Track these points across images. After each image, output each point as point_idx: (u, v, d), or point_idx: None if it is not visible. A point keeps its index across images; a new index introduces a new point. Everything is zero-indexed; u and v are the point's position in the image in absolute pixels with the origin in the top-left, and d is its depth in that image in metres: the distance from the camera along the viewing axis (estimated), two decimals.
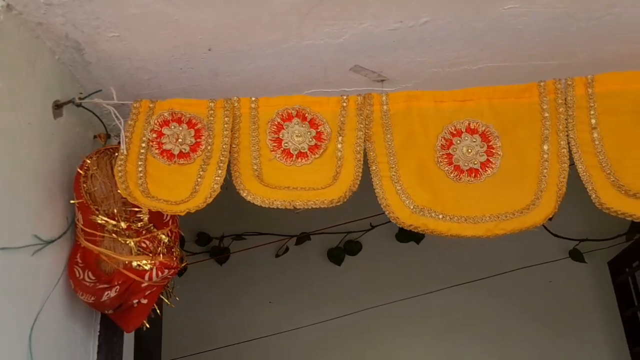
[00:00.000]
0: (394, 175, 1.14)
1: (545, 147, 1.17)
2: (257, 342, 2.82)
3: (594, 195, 1.14)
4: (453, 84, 1.27)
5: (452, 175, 1.16)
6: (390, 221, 1.13)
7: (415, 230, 1.12)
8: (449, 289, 2.80)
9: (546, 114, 1.18)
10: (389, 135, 1.16)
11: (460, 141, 1.17)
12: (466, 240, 3.03)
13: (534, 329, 2.78)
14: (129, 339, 1.60)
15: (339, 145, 1.14)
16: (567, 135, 1.17)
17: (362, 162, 1.13)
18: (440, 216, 1.13)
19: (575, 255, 2.72)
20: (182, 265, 1.23)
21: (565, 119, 1.18)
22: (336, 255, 2.93)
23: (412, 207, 1.12)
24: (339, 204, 1.11)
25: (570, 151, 1.17)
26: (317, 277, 2.95)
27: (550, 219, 2.98)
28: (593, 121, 1.17)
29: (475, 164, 1.16)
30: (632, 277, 2.43)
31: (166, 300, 1.29)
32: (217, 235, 3.01)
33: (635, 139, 1.16)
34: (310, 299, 2.90)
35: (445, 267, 2.88)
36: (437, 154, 1.16)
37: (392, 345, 2.84)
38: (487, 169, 1.16)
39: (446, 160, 1.16)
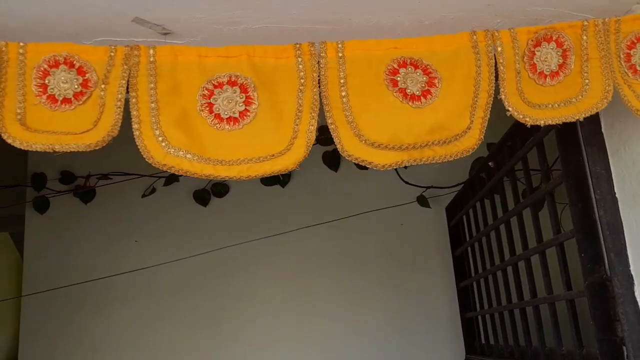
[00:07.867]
0: (153, 120, 1.26)
1: (300, 101, 1.34)
2: (120, 277, 2.93)
3: (339, 145, 1.34)
4: (236, 41, 1.39)
5: (212, 122, 1.30)
6: None
7: (170, 171, 1.26)
8: (310, 228, 3.03)
9: (302, 73, 1.34)
10: (152, 85, 1.27)
11: (221, 92, 1.30)
12: (327, 185, 3.28)
13: (386, 266, 3.10)
14: None
15: (102, 93, 1.23)
16: (320, 92, 1.35)
17: (122, 109, 1.24)
18: (196, 158, 1.27)
19: (422, 200, 3.05)
20: None
21: (318, 78, 1.35)
22: (202, 197, 3.08)
23: (167, 149, 1.25)
24: (97, 147, 1.21)
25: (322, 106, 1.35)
26: (183, 217, 3.09)
27: (405, 167, 3.27)
28: (342, 81, 1.35)
29: (234, 113, 1.31)
30: (461, 220, 2.76)
31: None
32: (83, 174, 3.05)
33: (374, 97, 1.35)
34: (175, 238, 3.05)
35: (309, 209, 3.12)
36: (199, 103, 1.30)
37: (252, 281, 3.07)
38: (245, 117, 1.31)
39: (207, 109, 1.30)
